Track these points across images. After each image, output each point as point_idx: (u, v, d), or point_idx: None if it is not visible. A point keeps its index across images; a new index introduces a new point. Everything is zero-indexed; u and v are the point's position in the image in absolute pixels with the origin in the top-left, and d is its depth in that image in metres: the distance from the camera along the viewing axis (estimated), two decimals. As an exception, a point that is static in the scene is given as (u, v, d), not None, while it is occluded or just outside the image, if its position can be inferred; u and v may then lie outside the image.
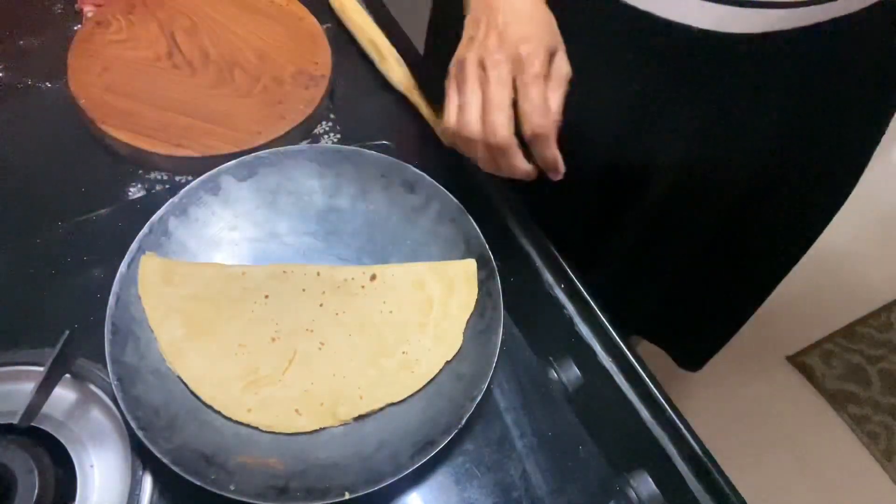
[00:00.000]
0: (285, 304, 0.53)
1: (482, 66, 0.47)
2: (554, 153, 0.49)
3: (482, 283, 0.54)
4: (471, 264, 0.55)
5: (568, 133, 0.64)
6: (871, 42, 0.56)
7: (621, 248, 0.74)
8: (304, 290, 0.54)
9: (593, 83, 0.60)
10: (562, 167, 0.51)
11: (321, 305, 0.54)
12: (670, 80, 0.56)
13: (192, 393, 0.49)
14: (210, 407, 0.49)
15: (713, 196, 0.67)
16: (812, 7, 0.49)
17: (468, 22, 0.51)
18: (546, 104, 0.47)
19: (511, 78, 0.47)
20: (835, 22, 0.50)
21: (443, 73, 0.53)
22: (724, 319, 0.89)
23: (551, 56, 0.48)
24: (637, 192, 0.67)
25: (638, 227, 0.71)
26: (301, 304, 0.53)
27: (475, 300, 0.54)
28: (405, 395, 0.51)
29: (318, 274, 0.55)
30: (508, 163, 0.49)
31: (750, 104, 0.58)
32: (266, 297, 0.53)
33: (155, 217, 0.54)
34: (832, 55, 0.54)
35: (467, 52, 0.48)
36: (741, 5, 0.48)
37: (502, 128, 0.47)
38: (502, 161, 0.49)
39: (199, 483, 0.43)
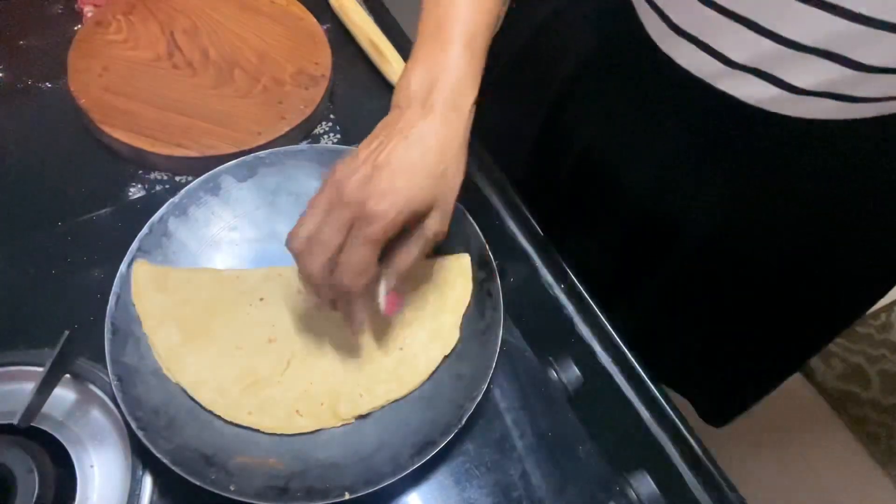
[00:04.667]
0: (281, 305, 0.53)
1: (338, 194, 0.44)
2: (354, 313, 0.47)
3: (482, 284, 0.54)
4: (464, 258, 0.55)
5: (603, 173, 0.64)
6: None
7: (649, 298, 0.72)
8: (298, 291, 0.54)
9: (633, 131, 0.59)
10: (358, 328, 0.48)
11: (316, 305, 0.54)
12: (705, 145, 0.55)
13: (192, 398, 0.49)
14: (210, 412, 0.49)
15: (742, 267, 0.64)
16: (878, 103, 0.46)
17: (378, 126, 0.48)
18: (362, 267, 0.44)
19: (349, 225, 0.44)
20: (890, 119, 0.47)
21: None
22: (754, 382, 0.86)
23: (419, 216, 0.45)
24: (665, 248, 0.65)
25: (665, 282, 0.69)
26: (296, 305, 0.53)
27: (471, 293, 0.54)
28: (405, 392, 0.51)
29: None
30: (316, 294, 0.47)
31: (786, 187, 0.55)
32: (261, 299, 0.53)
33: (155, 217, 0.54)
34: (888, 153, 0.51)
35: (339, 168, 0.46)
36: (796, 92, 0.46)
37: (315, 265, 0.44)
38: (308, 289, 0.47)
39: (199, 483, 0.43)
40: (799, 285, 0.66)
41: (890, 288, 0.69)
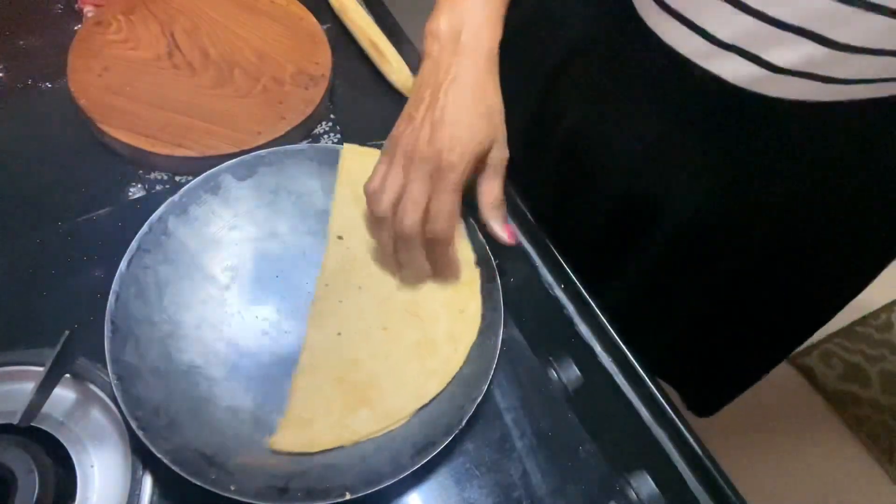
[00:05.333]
0: (341, 333, 0.53)
1: (410, 156, 0.49)
2: (449, 258, 0.53)
3: (482, 284, 0.54)
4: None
5: (590, 152, 0.64)
6: None
7: (635, 283, 0.72)
8: (340, 301, 0.54)
9: (620, 111, 0.59)
10: (456, 272, 0.54)
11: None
12: (690, 125, 0.55)
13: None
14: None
15: (726, 252, 0.64)
16: (854, 86, 0.46)
17: (414, 88, 0.52)
18: (453, 212, 0.49)
19: (431, 179, 0.49)
20: (876, 102, 0.48)
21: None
22: (740, 372, 0.86)
23: (484, 154, 0.50)
24: (649, 228, 0.65)
25: (650, 268, 0.69)
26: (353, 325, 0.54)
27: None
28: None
29: (327, 285, 0.55)
30: (408, 255, 0.51)
31: (768, 170, 0.55)
32: (339, 334, 0.53)
33: (155, 216, 0.54)
34: (873, 136, 0.52)
35: (402, 136, 0.50)
36: (776, 71, 0.46)
37: (411, 222, 0.49)
38: (402, 251, 0.51)
39: (199, 483, 0.43)
40: (783, 272, 0.66)
41: (875, 276, 0.69)
